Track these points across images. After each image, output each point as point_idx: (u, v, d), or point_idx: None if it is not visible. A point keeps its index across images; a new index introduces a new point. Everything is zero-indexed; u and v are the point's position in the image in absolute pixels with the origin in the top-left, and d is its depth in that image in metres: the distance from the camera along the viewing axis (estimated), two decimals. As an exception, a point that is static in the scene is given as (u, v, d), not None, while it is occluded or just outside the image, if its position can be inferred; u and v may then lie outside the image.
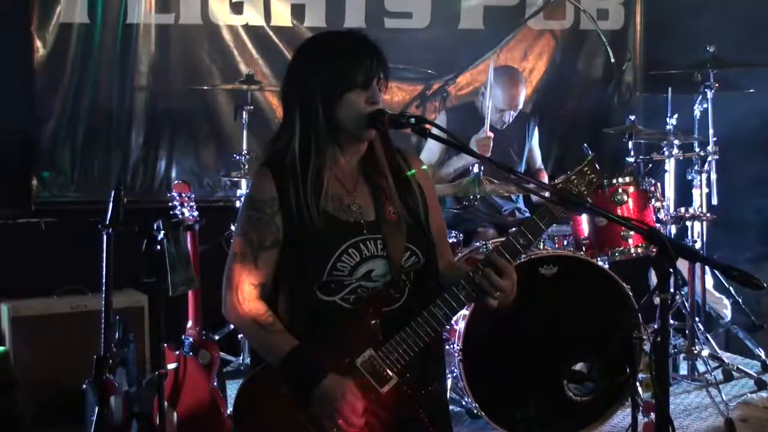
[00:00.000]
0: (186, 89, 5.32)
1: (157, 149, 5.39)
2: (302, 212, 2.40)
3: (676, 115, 5.03)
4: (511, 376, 3.95)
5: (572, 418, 4.00)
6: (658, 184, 4.68)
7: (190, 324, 3.96)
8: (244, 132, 4.89)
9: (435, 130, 2.39)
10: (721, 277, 5.31)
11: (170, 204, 3.96)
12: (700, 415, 4.43)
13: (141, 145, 5.35)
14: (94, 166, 5.28)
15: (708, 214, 4.97)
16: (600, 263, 4.22)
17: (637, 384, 3.99)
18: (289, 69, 2.52)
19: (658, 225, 4.58)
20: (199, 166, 5.48)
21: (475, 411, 4.00)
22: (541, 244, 4.34)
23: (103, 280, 3.14)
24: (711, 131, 5.07)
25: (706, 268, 5.16)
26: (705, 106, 5.09)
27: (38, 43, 5.11)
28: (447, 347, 3.96)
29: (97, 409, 3.15)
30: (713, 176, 5.05)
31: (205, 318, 3.94)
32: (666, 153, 4.97)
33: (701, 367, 4.86)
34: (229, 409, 3.72)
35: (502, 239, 4.24)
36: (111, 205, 3.12)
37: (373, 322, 2.41)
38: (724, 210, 5.12)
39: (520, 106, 4.93)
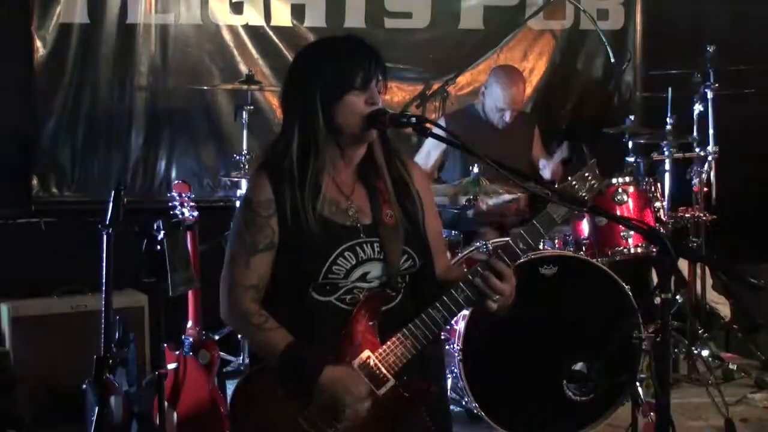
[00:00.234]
0: (186, 89, 5.32)
1: (157, 149, 5.39)
2: (298, 215, 2.41)
3: (675, 115, 5.03)
4: (511, 376, 3.95)
5: (572, 418, 4.00)
6: (658, 184, 4.69)
7: (190, 324, 3.96)
8: (244, 132, 4.89)
9: (436, 130, 2.40)
10: (720, 277, 5.31)
11: (170, 204, 3.96)
12: (700, 415, 4.42)
13: (141, 145, 5.35)
14: (94, 166, 5.28)
15: (708, 214, 4.97)
16: (600, 263, 4.22)
17: (637, 384, 4.00)
18: (288, 73, 2.54)
19: (658, 225, 4.57)
20: (199, 166, 5.48)
21: (475, 411, 4.00)
22: (541, 244, 4.34)
23: (103, 280, 3.13)
24: (711, 131, 5.07)
25: (706, 268, 5.17)
26: (705, 106, 5.09)
27: (38, 43, 5.11)
28: (447, 347, 3.96)
29: (97, 409, 3.15)
30: (713, 176, 5.05)
31: (205, 318, 3.94)
32: (666, 153, 4.96)
33: (701, 367, 4.86)
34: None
35: (503, 239, 4.29)
36: (111, 205, 3.12)
37: (370, 323, 2.41)
38: (724, 210, 5.12)
39: (521, 105, 4.92)
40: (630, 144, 4.88)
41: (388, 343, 2.39)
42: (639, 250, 4.42)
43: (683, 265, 5.15)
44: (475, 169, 4.36)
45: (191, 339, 3.90)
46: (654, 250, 4.34)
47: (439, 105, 5.60)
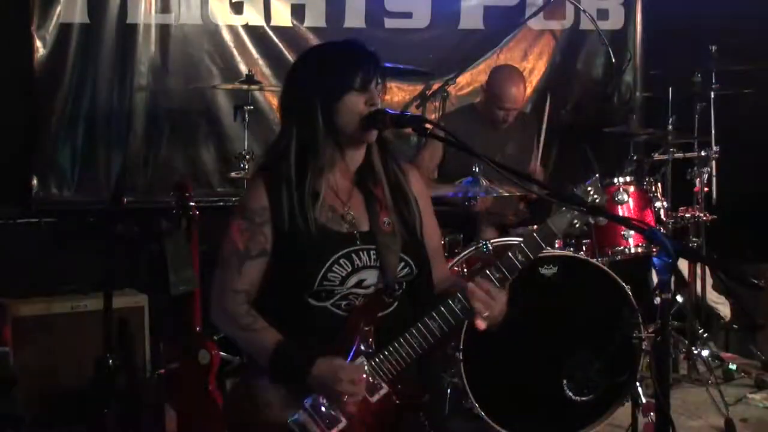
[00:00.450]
0: (186, 89, 5.31)
1: (157, 149, 5.38)
2: (294, 221, 2.41)
3: (676, 116, 5.03)
4: (512, 376, 3.95)
5: (572, 418, 4.00)
6: (658, 184, 4.69)
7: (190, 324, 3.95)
8: (244, 132, 4.89)
9: (435, 130, 2.40)
10: (720, 277, 5.31)
11: (170, 204, 3.96)
12: (700, 415, 4.42)
13: (141, 145, 5.34)
14: (94, 166, 5.27)
15: (708, 214, 4.97)
16: (600, 263, 4.21)
17: (637, 384, 4.00)
18: (288, 76, 2.55)
19: (658, 225, 4.57)
20: (199, 166, 5.47)
21: (475, 411, 4.00)
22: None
23: (103, 280, 3.14)
24: (712, 131, 5.07)
25: (706, 268, 5.17)
26: (705, 106, 5.09)
27: (38, 43, 5.10)
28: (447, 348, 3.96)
29: (97, 409, 3.16)
30: (713, 176, 5.05)
31: (205, 318, 3.94)
32: (666, 153, 4.96)
33: (701, 367, 4.86)
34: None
35: (503, 239, 4.29)
36: (111, 205, 3.12)
37: (366, 328, 2.40)
38: (724, 210, 5.12)
39: (521, 105, 4.92)
40: (630, 144, 4.88)
41: (384, 350, 2.39)
42: (639, 250, 4.42)
43: (683, 265, 5.15)
44: (475, 169, 4.35)
45: (191, 339, 3.90)
46: (654, 250, 4.34)
47: (439, 105, 5.60)
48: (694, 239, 5.04)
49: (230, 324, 2.48)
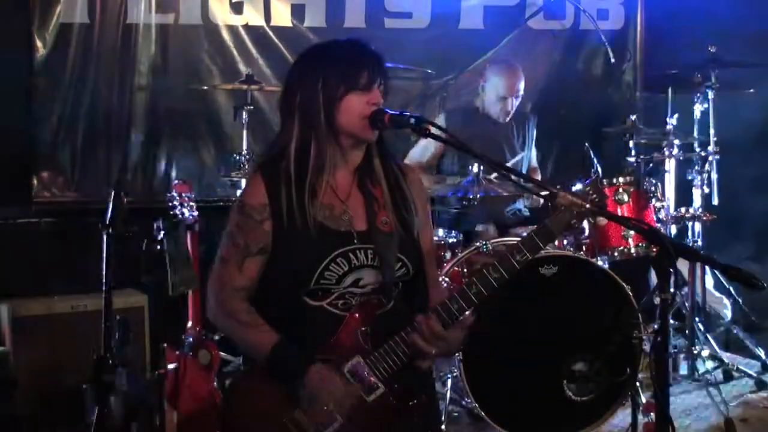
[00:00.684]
0: (186, 89, 5.31)
1: (157, 149, 5.39)
2: (293, 219, 2.41)
3: (676, 115, 5.03)
4: (511, 376, 3.95)
5: (572, 418, 4.00)
6: (658, 184, 4.69)
7: (190, 324, 3.95)
8: (244, 132, 4.88)
9: (435, 130, 2.40)
10: (721, 277, 5.31)
11: (170, 204, 3.96)
12: (700, 415, 4.42)
13: (141, 145, 5.34)
14: (94, 166, 5.27)
15: (708, 214, 4.97)
16: (600, 263, 4.21)
17: (637, 384, 4.00)
18: (290, 72, 2.54)
19: (658, 225, 4.57)
20: (199, 166, 5.48)
21: (475, 411, 4.00)
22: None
23: (103, 280, 3.13)
24: (711, 131, 5.07)
25: (706, 268, 5.16)
26: (705, 106, 5.09)
27: (38, 43, 5.10)
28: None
29: (97, 409, 3.15)
30: (713, 176, 5.05)
31: (205, 318, 3.94)
32: (666, 153, 4.97)
33: (701, 367, 4.86)
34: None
35: (503, 239, 4.29)
36: (111, 205, 3.11)
37: (363, 329, 2.40)
38: (724, 210, 5.12)
39: (521, 93, 4.92)
40: (630, 144, 4.88)
41: (380, 349, 2.39)
42: (639, 250, 4.41)
43: (683, 265, 5.15)
44: (475, 168, 4.36)
45: (191, 339, 3.90)
46: (654, 250, 4.34)
47: (439, 105, 5.60)
48: (694, 239, 5.04)
49: (229, 321, 2.47)
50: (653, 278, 5.28)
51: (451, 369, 3.98)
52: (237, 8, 5.45)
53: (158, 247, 3.23)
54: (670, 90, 5.16)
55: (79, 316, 4.41)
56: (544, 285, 3.97)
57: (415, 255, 2.51)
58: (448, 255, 4.34)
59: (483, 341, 3.92)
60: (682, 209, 4.98)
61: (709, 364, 4.81)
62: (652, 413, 3.72)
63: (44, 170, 5.19)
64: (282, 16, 5.52)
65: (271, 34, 5.50)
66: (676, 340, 5.04)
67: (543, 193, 2.46)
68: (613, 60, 5.91)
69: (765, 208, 5.55)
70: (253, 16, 5.47)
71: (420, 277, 2.54)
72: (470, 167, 4.41)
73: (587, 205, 2.34)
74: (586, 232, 4.47)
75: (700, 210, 4.97)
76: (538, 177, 5.06)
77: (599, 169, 4.38)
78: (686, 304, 4.99)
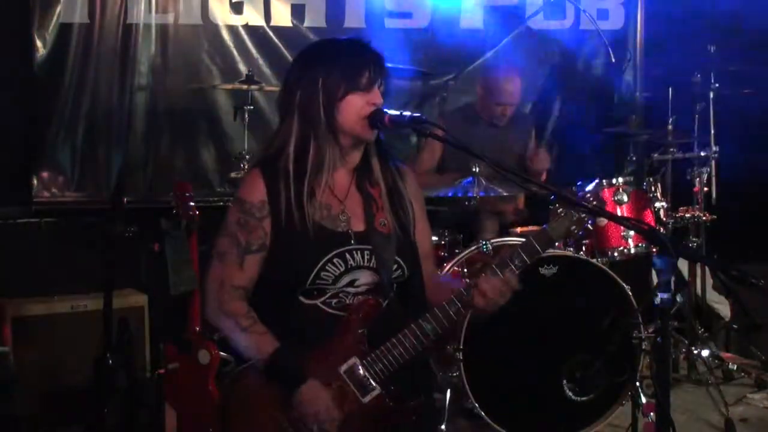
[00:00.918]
0: (186, 89, 5.32)
1: (157, 149, 5.39)
2: (291, 218, 2.41)
3: (676, 116, 5.02)
4: (511, 376, 3.95)
5: (572, 418, 4.00)
6: (659, 184, 4.68)
7: (189, 324, 3.95)
8: (244, 132, 4.89)
9: (434, 130, 2.40)
10: (720, 277, 5.30)
11: (170, 204, 3.96)
12: (700, 415, 4.42)
13: (141, 145, 5.34)
14: (94, 166, 5.28)
15: (708, 214, 4.97)
16: (600, 263, 4.21)
17: (637, 384, 4.00)
18: (289, 72, 2.53)
19: (658, 225, 4.57)
20: (199, 166, 5.47)
21: (475, 411, 3.99)
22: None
23: (103, 280, 3.14)
24: (711, 131, 5.07)
25: (706, 268, 5.16)
26: (705, 106, 5.09)
27: (38, 43, 5.11)
28: (447, 348, 3.96)
29: (97, 409, 3.15)
30: (713, 176, 5.05)
31: (204, 318, 3.93)
32: (666, 153, 4.96)
33: (701, 367, 4.86)
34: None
35: (502, 239, 4.29)
36: (111, 205, 3.12)
37: (360, 330, 2.40)
38: (724, 210, 5.12)
39: (518, 98, 4.92)
40: (630, 144, 4.88)
41: (376, 350, 2.38)
42: (639, 250, 4.41)
43: (683, 265, 5.15)
44: (474, 168, 4.35)
45: (191, 339, 3.89)
46: (654, 250, 4.34)
47: (439, 105, 5.60)
48: (694, 239, 5.04)
49: (228, 323, 2.47)
50: (653, 278, 5.28)
51: (452, 369, 3.98)
52: (237, 8, 5.45)
53: (158, 247, 3.23)
54: (670, 90, 5.16)
55: (79, 316, 4.40)
56: (544, 285, 3.97)
57: (412, 257, 2.51)
58: (448, 255, 4.33)
59: (483, 341, 3.92)
60: (682, 209, 4.98)
61: (710, 364, 4.80)
62: (652, 413, 3.72)
63: (44, 170, 5.19)
64: (282, 16, 5.52)
65: (271, 34, 5.51)
66: (676, 340, 5.04)
67: (544, 193, 2.46)
68: (613, 60, 5.90)
69: (765, 209, 5.55)
70: (253, 16, 5.48)
71: (416, 278, 2.54)
72: (471, 167, 4.41)
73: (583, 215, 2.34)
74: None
75: (700, 210, 4.97)
76: (546, 162, 5.04)
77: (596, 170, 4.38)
78: (686, 304, 4.99)
